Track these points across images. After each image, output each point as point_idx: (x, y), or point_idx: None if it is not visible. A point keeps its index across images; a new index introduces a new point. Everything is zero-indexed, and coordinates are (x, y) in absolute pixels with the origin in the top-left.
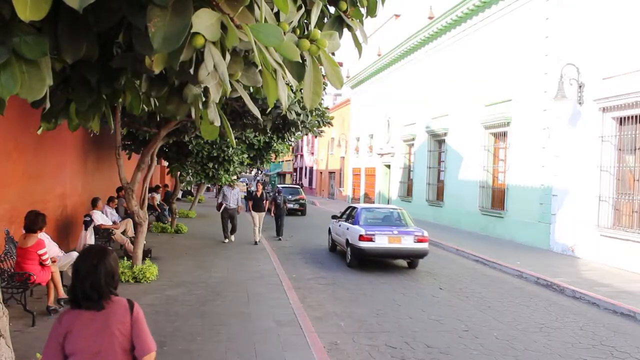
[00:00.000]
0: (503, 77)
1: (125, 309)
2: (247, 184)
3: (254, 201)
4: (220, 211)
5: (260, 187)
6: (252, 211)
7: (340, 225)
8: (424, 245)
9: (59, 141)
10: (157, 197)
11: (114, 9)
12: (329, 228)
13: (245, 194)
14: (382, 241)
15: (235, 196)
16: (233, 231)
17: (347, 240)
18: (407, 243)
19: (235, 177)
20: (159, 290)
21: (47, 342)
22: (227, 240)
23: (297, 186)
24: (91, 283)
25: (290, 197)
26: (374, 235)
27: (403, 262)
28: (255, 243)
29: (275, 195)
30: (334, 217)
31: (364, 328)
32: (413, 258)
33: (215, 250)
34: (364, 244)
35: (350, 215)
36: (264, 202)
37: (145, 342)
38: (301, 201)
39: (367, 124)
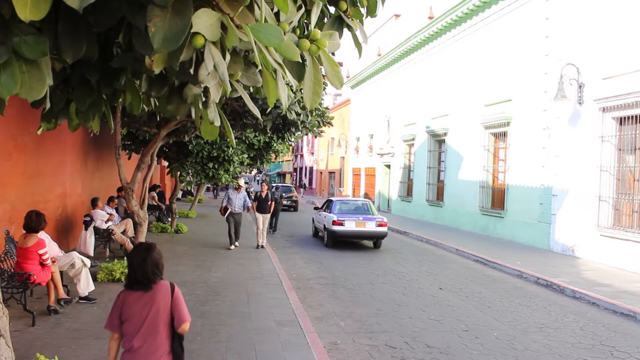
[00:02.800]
0: (503, 77)
1: (168, 289)
2: (247, 183)
3: (258, 202)
4: (225, 216)
5: (266, 187)
6: (256, 213)
7: (320, 214)
8: (383, 229)
9: (59, 141)
10: (155, 197)
11: (114, 9)
12: (313, 218)
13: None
14: (350, 225)
15: (241, 200)
16: (237, 238)
17: (324, 226)
18: (370, 227)
19: (243, 181)
20: None
21: (110, 312)
22: (232, 247)
23: (290, 185)
24: (141, 272)
25: (283, 194)
26: (344, 220)
27: (369, 244)
28: (257, 247)
29: (272, 192)
30: (315, 208)
31: (364, 328)
32: (375, 239)
33: (215, 250)
34: (336, 228)
35: (327, 206)
36: (269, 203)
37: (182, 314)
38: (293, 198)
39: (367, 124)
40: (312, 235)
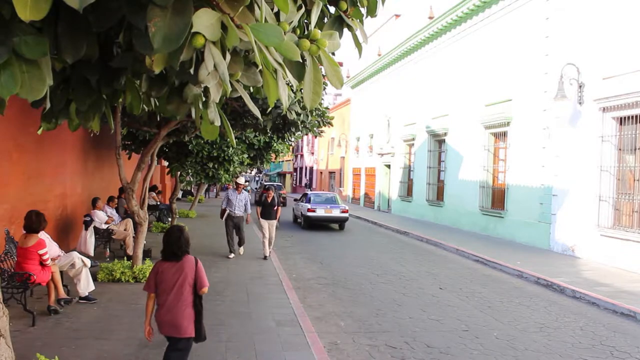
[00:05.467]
0: (503, 77)
1: (193, 261)
2: (247, 182)
3: (263, 207)
4: (224, 219)
5: (272, 193)
6: (260, 219)
7: (298, 205)
8: (345, 214)
9: (59, 141)
10: (154, 196)
11: (114, 9)
12: (293, 208)
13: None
14: (321, 212)
15: (241, 202)
16: (241, 243)
17: (301, 213)
18: (336, 213)
19: (243, 180)
20: None
21: (148, 278)
22: (232, 256)
23: (280, 184)
24: (177, 246)
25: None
26: (316, 208)
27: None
28: (265, 258)
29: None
30: (295, 200)
31: (364, 328)
32: (340, 222)
33: (216, 250)
34: (310, 214)
35: (304, 197)
36: (275, 208)
37: (203, 281)
38: (283, 195)
39: (367, 124)
40: (292, 221)
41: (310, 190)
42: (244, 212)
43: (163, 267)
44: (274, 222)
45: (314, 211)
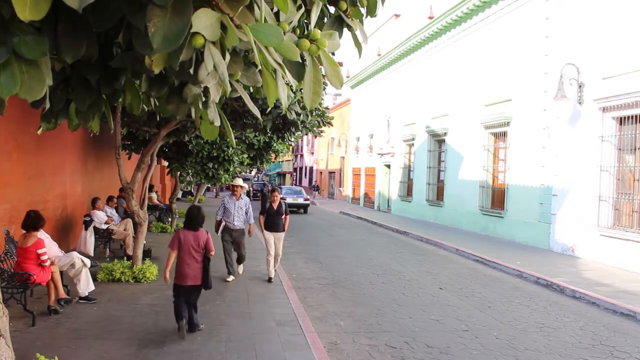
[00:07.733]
0: (503, 77)
1: (205, 233)
2: (248, 180)
3: (267, 216)
4: (220, 232)
5: (278, 196)
6: (264, 231)
7: None
8: (307, 202)
9: (59, 141)
10: (154, 197)
11: (114, 9)
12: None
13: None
14: (290, 200)
15: (241, 210)
16: (240, 260)
17: None
18: (300, 200)
19: (241, 181)
20: (158, 290)
21: (172, 240)
22: (231, 278)
23: (266, 182)
24: (196, 220)
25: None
26: (286, 197)
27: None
28: (270, 280)
29: (263, 189)
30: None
31: (364, 328)
32: (304, 208)
33: (215, 250)
34: (282, 201)
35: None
36: (282, 217)
37: (211, 247)
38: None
39: (367, 124)
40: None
41: (318, 192)
42: (246, 223)
43: (185, 233)
44: (282, 235)
45: (284, 199)
